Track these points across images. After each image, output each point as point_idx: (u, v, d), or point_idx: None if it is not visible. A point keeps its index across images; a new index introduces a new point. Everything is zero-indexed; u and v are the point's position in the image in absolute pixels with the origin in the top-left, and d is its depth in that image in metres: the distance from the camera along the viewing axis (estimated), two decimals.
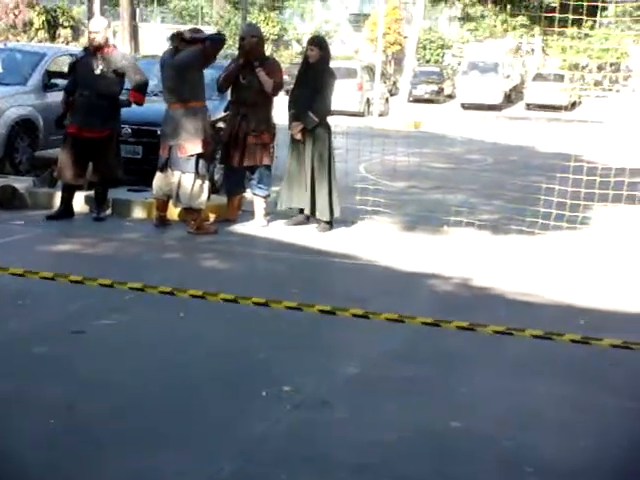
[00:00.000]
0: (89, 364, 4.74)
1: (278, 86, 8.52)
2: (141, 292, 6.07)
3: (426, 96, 36.33)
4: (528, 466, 3.78)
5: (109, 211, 8.75)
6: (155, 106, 9.41)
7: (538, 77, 36.02)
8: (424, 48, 43.87)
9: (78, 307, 5.72)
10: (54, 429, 3.89)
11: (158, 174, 8.27)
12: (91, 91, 8.33)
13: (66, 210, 8.55)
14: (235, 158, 8.49)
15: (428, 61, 44.03)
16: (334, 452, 3.84)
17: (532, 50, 43.87)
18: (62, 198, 8.57)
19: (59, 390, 4.33)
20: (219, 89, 8.86)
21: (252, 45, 8.43)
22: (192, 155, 8.07)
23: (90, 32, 8.72)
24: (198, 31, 8.60)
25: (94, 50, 8.44)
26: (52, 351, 4.90)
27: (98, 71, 8.35)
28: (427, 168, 13.58)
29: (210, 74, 8.56)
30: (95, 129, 8.32)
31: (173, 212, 8.52)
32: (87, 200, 8.83)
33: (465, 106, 34.77)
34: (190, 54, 8.05)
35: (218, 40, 8.27)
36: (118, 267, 6.67)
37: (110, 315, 5.58)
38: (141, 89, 8.58)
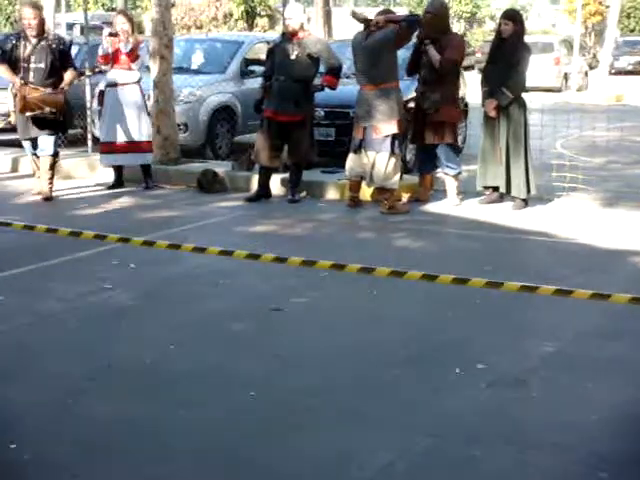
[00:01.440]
0: (285, 341, 4.87)
1: (448, 62, 8.31)
2: (336, 270, 6.22)
3: (629, 68, 34.59)
4: None
5: (304, 193, 8.94)
6: (347, 88, 9.51)
7: None
8: (628, 17, 41.78)
9: (275, 285, 5.89)
10: (252, 403, 4.02)
11: (351, 155, 8.36)
12: (286, 76, 8.51)
13: (263, 192, 8.81)
14: (419, 136, 8.46)
15: (632, 30, 41.88)
16: (530, 431, 3.75)
17: None
18: (259, 180, 8.84)
19: (256, 366, 4.47)
20: (407, 71, 8.81)
21: (427, 21, 8.31)
22: (387, 136, 8.10)
23: (285, 19, 8.94)
24: (388, 12, 8.61)
25: (290, 36, 8.61)
26: (250, 328, 5.08)
27: (293, 56, 8.51)
28: (629, 142, 12.97)
29: (401, 54, 8.54)
30: (289, 113, 8.50)
31: (365, 193, 8.59)
32: (282, 182, 9.06)
33: None
34: (384, 36, 8.05)
35: (413, 21, 8.21)
36: (313, 247, 6.80)
37: (306, 293, 5.70)
38: (335, 73, 8.68)
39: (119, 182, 9.39)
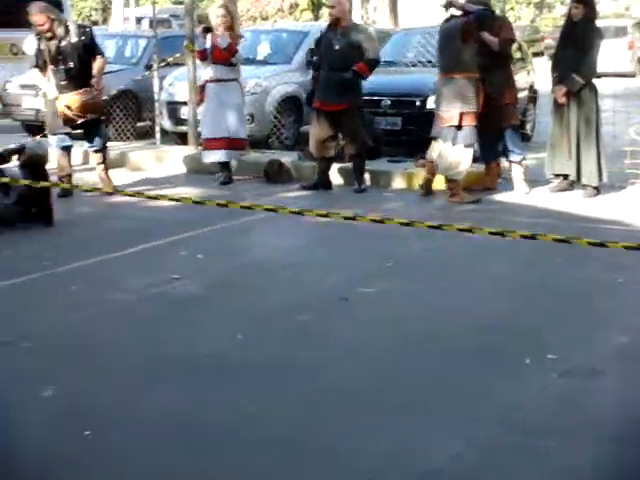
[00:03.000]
0: (352, 331, 4.83)
1: (506, 42, 8.27)
2: (403, 260, 6.18)
3: None
4: None
5: (368, 182, 8.89)
6: (414, 77, 9.45)
7: None
8: None
9: (341, 275, 5.86)
10: (318, 393, 4.00)
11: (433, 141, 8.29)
12: (330, 66, 8.52)
13: (322, 182, 8.78)
14: (482, 122, 8.33)
15: None
16: (606, 423, 3.65)
17: None
18: (317, 170, 8.83)
19: (323, 356, 4.44)
20: None
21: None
22: (452, 125, 8.00)
23: (329, 6, 8.86)
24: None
25: (333, 25, 8.58)
26: (317, 318, 5.05)
27: (336, 46, 8.49)
28: None
29: None
30: (335, 102, 8.49)
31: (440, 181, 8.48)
32: (340, 172, 9.01)
33: None
34: (452, 25, 7.97)
35: (482, 16, 7.97)
36: (379, 236, 6.74)
37: (373, 283, 5.65)
38: (371, 64, 8.60)
39: (229, 178, 9.19)
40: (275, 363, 4.35)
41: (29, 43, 8.36)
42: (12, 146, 7.45)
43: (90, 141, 8.57)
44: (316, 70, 8.81)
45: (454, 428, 3.62)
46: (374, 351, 4.52)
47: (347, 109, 8.52)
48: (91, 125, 8.39)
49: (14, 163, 7.31)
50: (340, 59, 8.47)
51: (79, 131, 8.51)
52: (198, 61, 9.54)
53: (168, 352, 4.49)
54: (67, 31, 8.19)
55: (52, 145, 8.51)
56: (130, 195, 6.59)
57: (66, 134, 8.46)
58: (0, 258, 6.20)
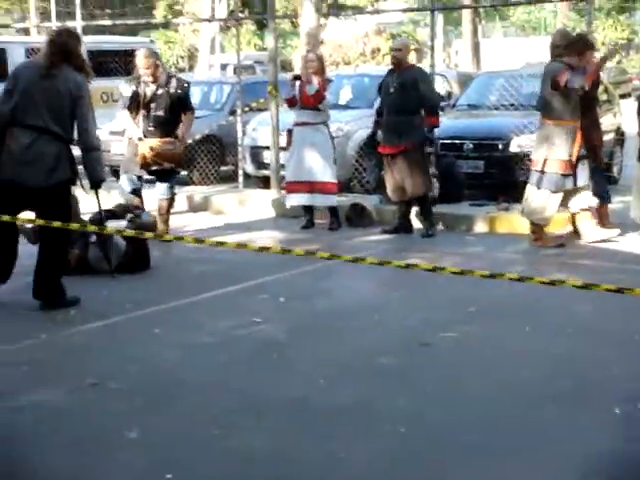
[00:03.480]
0: (435, 377, 4.78)
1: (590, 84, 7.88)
2: (485, 305, 6.10)
3: None
4: None
5: (440, 226, 8.85)
6: (496, 120, 9.41)
7: None
8: None
9: (423, 320, 5.82)
10: (402, 439, 3.96)
11: None
12: (389, 109, 8.59)
13: (402, 226, 8.76)
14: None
15: None
16: None
17: None
18: (398, 215, 8.82)
19: (406, 401, 4.40)
20: None
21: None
22: (537, 170, 7.94)
23: (393, 49, 8.94)
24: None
25: (393, 68, 8.66)
26: (399, 363, 5.02)
27: (392, 89, 8.56)
28: None
29: None
30: (393, 144, 8.55)
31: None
32: (418, 216, 9.01)
33: None
34: (550, 68, 7.86)
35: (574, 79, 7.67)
36: (459, 281, 6.67)
37: (455, 327, 5.60)
38: (433, 111, 8.64)
39: (311, 222, 9.24)
40: (359, 407, 4.33)
41: (125, 85, 8.64)
42: (121, 202, 7.67)
43: (160, 189, 8.69)
44: (379, 115, 8.87)
45: (539, 476, 3.53)
46: (457, 396, 4.47)
47: (406, 151, 8.55)
48: (165, 174, 8.57)
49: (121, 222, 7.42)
50: (397, 101, 8.55)
51: (150, 176, 8.77)
52: (281, 107, 9.68)
53: (251, 395, 4.51)
54: (168, 80, 8.45)
55: (122, 185, 8.79)
56: (189, 242, 6.58)
57: (138, 178, 8.68)
58: (90, 300, 6.35)
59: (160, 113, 8.38)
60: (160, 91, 8.37)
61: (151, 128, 8.41)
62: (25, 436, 4.04)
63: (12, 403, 4.39)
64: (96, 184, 6.39)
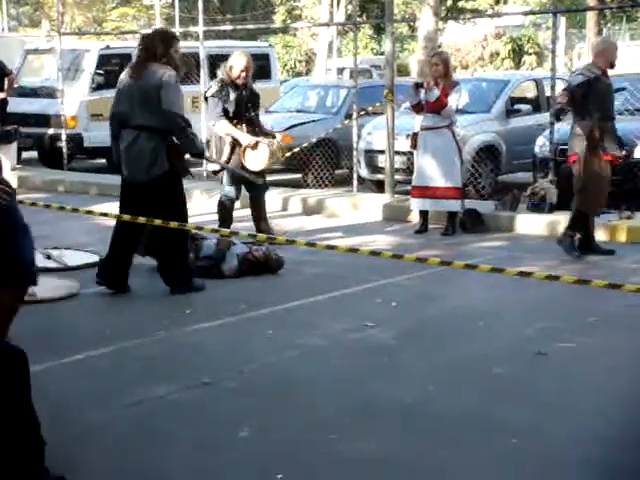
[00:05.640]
0: (550, 388, 4.66)
1: None
2: (606, 316, 5.92)
3: None
4: None
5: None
6: (620, 125, 9.05)
7: None
8: None
9: (539, 329, 5.69)
10: (514, 450, 3.88)
11: None
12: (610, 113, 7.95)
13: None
14: None
15: None
16: None
17: None
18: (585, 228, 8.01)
19: (519, 412, 4.31)
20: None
21: None
22: None
23: None
24: None
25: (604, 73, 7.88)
26: (512, 372, 4.92)
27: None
28: None
29: None
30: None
31: None
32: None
33: None
34: None
35: None
36: (578, 290, 6.49)
37: (573, 338, 5.45)
38: None
39: (425, 227, 9.12)
40: (470, 416, 4.26)
41: (215, 90, 8.29)
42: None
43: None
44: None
45: None
46: (573, 409, 4.34)
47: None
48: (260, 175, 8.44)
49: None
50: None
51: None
52: (396, 111, 9.56)
53: (362, 399, 4.50)
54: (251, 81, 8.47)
55: (224, 193, 8.48)
56: (301, 244, 6.50)
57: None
58: (206, 300, 6.47)
59: (251, 114, 8.38)
60: (244, 92, 8.32)
61: (248, 130, 8.31)
62: (140, 432, 4.13)
63: (129, 399, 4.50)
64: (198, 155, 7.02)
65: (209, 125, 8.81)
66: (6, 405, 3.21)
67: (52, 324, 5.87)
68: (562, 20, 29.17)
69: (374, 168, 11.53)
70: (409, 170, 10.16)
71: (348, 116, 12.15)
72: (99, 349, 5.29)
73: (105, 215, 7.12)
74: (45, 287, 5.72)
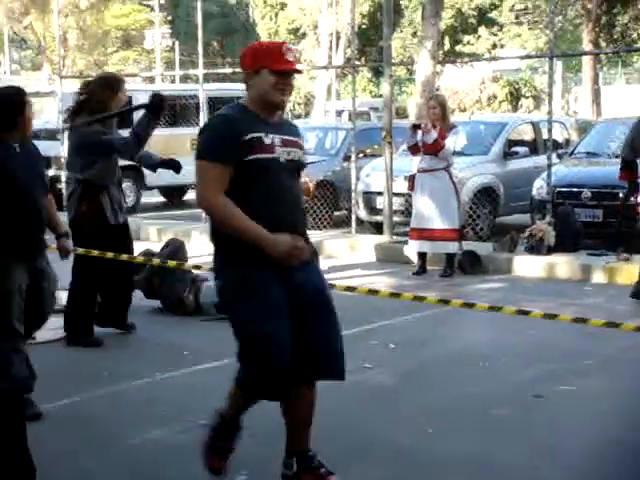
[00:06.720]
0: (548, 431, 4.64)
1: None
2: (605, 359, 5.91)
3: None
4: None
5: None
6: (616, 168, 9.16)
7: None
8: None
9: (538, 371, 5.68)
10: None
11: None
12: None
13: None
14: None
15: None
16: None
17: None
18: None
19: (517, 455, 4.29)
20: None
21: None
22: None
23: None
24: None
25: None
26: (511, 415, 4.90)
27: None
28: None
29: None
30: None
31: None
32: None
33: None
34: None
35: None
36: (575, 331, 6.49)
37: (572, 381, 5.44)
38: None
39: (423, 269, 9.15)
40: (469, 460, 4.24)
41: None
42: None
43: None
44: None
45: None
46: (573, 454, 4.32)
47: None
48: None
49: None
50: None
51: None
52: (395, 153, 9.63)
53: (358, 442, 4.48)
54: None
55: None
56: None
57: None
58: (205, 341, 6.47)
59: None
60: None
61: None
62: (143, 473, 4.14)
63: (132, 440, 4.51)
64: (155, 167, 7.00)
65: None
66: (2, 449, 3.20)
67: (49, 366, 5.85)
68: (559, 64, 29.50)
69: (372, 210, 11.57)
70: (407, 212, 10.20)
71: (347, 158, 12.23)
72: (96, 391, 5.28)
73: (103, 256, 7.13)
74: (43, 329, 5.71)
